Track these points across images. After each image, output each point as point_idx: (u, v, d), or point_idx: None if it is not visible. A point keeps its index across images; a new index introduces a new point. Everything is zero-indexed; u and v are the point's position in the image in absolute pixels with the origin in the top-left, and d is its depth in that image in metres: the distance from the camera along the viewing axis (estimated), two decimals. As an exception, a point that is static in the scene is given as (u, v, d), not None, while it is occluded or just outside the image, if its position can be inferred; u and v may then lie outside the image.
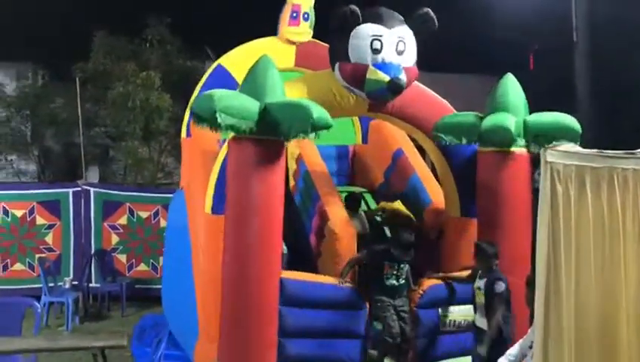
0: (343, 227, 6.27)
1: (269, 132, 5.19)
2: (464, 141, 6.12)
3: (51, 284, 9.04)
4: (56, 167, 16.70)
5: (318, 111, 5.14)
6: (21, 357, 5.22)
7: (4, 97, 15.03)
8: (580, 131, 6.02)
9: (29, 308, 5.80)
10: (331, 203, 6.70)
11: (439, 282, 6.01)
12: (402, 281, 5.84)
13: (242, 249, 5.20)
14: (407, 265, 5.83)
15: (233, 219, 5.24)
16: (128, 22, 14.39)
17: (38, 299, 8.57)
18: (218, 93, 5.12)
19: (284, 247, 7.08)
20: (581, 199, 3.15)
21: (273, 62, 5.54)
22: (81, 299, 9.46)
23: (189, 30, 14.90)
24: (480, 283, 5.42)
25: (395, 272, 5.79)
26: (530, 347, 3.74)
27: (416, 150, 8.22)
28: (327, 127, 5.29)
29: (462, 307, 5.91)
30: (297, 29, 7.55)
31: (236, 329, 5.20)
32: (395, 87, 5.68)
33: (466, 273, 5.88)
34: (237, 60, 7.45)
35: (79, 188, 10.62)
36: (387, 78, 5.64)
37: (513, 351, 4.23)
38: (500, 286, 5.23)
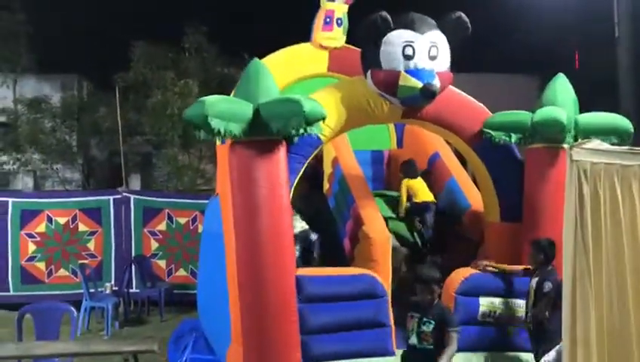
0: (377, 231, 6.20)
1: (264, 132, 5.17)
2: (514, 138, 6.01)
3: (92, 290, 9.22)
4: (100, 175, 17.15)
5: (311, 105, 5.11)
6: (58, 361, 5.33)
7: (50, 108, 15.49)
8: (632, 131, 5.88)
9: (67, 314, 5.90)
10: (366, 206, 6.64)
11: (481, 271, 5.83)
12: (427, 346, 4.62)
13: (253, 252, 5.21)
14: (433, 323, 4.61)
15: (241, 223, 5.25)
16: (166, 31, 14.66)
17: (81, 304, 8.85)
18: (210, 99, 5.13)
19: (314, 236, 6.97)
20: (611, 199, 3.00)
21: (265, 66, 5.55)
22: (122, 304, 9.62)
23: (227, 37, 15.10)
24: (533, 281, 5.31)
25: (416, 328, 4.68)
26: None
27: (452, 154, 8.10)
28: (321, 118, 5.26)
29: (507, 300, 5.75)
30: (330, 34, 7.53)
31: (257, 333, 5.19)
32: (428, 93, 5.59)
33: (519, 267, 5.74)
34: (270, 67, 7.49)
35: (120, 196, 10.82)
36: (420, 85, 5.55)
37: (549, 357, 4.10)
38: (547, 286, 5.10)
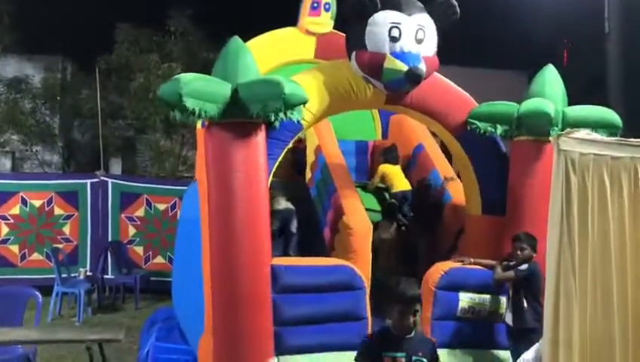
0: (358, 221, 6.03)
1: (242, 114, 4.94)
2: (499, 130, 5.86)
3: (65, 275, 8.97)
4: (81, 158, 16.82)
5: (291, 87, 4.89)
6: (20, 348, 5.10)
7: (31, 89, 15.13)
8: (621, 125, 5.74)
9: (32, 299, 5.67)
10: (348, 196, 6.47)
11: (462, 265, 5.65)
12: None
13: (227, 239, 4.99)
14: None
15: (216, 209, 5.03)
16: (151, 14, 14.37)
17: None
18: (185, 76, 4.89)
19: (294, 230, 6.94)
20: (600, 193, 2.83)
21: (245, 44, 5.31)
22: (97, 290, 9.40)
23: (212, 22, 14.80)
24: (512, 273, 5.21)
25: None
26: None
27: (437, 146, 7.96)
28: (302, 102, 5.05)
29: (488, 296, 5.57)
30: (318, 19, 7.35)
31: (228, 322, 4.98)
32: (413, 77, 5.39)
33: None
34: (253, 50, 7.27)
35: (97, 180, 10.58)
36: (405, 68, 5.35)
37: (528, 355, 3.93)
38: (523, 270, 5.05)
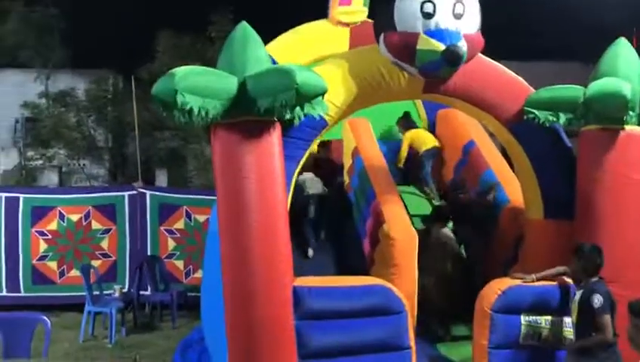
0: (400, 230, 5.27)
1: (251, 111, 4.26)
2: (562, 119, 5.00)
3: (97, 292, 8.54)
4: (127, 171, 16.65)
5: (306, 76, 4.16)
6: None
7: (75, 102, 15.06)
8: None
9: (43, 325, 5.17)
10: (389, 202, 5.71)
11: (524, 283, 4.75)
12: None
13: (240, 256, 4.34)
14: None
15: (226, 222, 4.40)
16: (191, 20, 14.06)
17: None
18: (181, 70, 4.24)
19: (310, 251, 6.39)
20: None
21: (254, 31, 4.62)
22: (137, 308, 8.96)
23: (254, 25, 14.32)
24: (577, 294, 4.33)
25: None
26: None
27: (491, 142, 7.09)
28: (320, 93, 4.31)
29: (556, 318, 4.71)
30: (349, 8, 6.79)
31: (245, 353, 4.34)
32: (452, 57, 4.57)
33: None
34: (283, 46, 6.66)
35: (135, 192, 10.16)
36: (442, 47, 4.56)
37: None
38: (598, 301, 4.08)
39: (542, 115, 5.02)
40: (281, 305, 4.34)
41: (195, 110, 4.09)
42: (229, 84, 4.27)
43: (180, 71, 4.20)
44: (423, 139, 7.42)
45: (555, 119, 5.00)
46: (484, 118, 5.53)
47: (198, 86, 4.15)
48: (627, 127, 4.86)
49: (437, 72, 4.83)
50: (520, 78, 5.35)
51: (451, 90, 5.09)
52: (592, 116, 4.88)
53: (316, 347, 4.42)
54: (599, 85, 4.80)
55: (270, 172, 4.36)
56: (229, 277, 4.42)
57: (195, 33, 14.25)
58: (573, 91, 5.00)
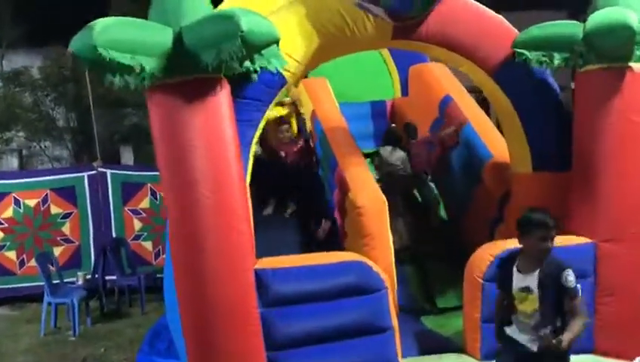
0: (367, 196, 4.72)
1: (190, 67, 3.64)
2: (557, 60, 4.40)
3: (57, 281, 7.94)
4: (92, 151, 15.89)
5: (252, 20, 3.51)
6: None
7: (30, 81, 14.19)
8: None
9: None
10: (352, 167, 5.13)
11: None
12: None
13: (188, 231, 3.76)
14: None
15: (171, 196, 3.79)
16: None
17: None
18: (102, 22, 3.53)
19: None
20: None
21: None
22: (103, 295, 8.39)
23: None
24: (529, 279, 3.14)
25: None
26: None
27: (468, 95, 6.54)
28: (271, 42, 3.68)
29: None
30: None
31: (202, 347, 3.80)
32: (422, -6, 3.96)
33: None
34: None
35: (94, 172, 9.49)
36: (411, -21, 3.93)
37: None
38: (573, 278, 3.03)
39: (534, 56, 4.42)
40: (242, 292, 3.77)
41: (122, 67, 3.43)
42: (162, 36, 3.63)
43: (100, 22, 3.51)
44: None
45: (546, 60, 4.39)
46: (464, 66, 4.91)
47: (123, 40, 3.48)
48: (632, 65, 4.28)
49: (407, 11, 4.21)
50: (503, 19, 4.76)
51: (425, 34, 4.47)
52: (593, 54, 4.27)
53: (286, 336, 3.88)
54: (600, 17, 4.17)
55: (219, 138, 3.74)
56: (178, 259, 3.85)
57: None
58: (570, 27, 4.38)
